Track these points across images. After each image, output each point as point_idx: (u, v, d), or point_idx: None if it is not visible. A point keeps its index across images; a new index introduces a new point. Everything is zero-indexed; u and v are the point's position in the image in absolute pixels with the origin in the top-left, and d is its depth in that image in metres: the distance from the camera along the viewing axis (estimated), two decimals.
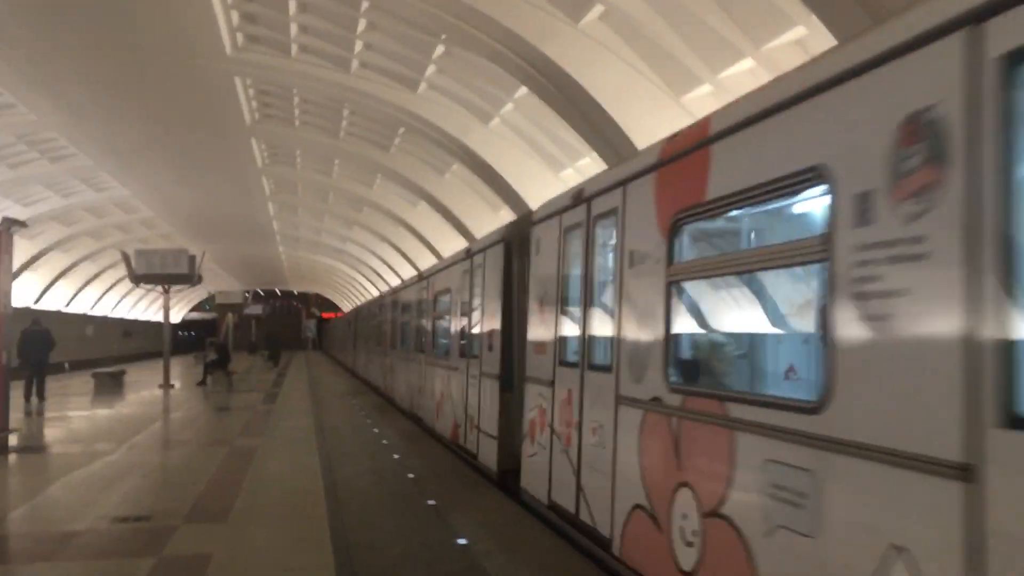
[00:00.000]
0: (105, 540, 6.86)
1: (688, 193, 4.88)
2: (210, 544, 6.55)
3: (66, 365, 37.98)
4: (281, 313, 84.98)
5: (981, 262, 2.75)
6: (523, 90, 15.28)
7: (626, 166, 6.16)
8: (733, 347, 5.72)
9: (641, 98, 12.51)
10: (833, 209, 3.55)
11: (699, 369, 5.42)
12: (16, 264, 36.96)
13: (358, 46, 16.12)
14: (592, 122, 13.10)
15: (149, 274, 24.72)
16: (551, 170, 17.94)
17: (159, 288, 25.57)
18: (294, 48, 16.83)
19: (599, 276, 6.46)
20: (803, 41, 9.86)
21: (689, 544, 4.64)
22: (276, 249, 48.56)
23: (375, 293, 41.02)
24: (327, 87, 18.10)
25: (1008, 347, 2.62)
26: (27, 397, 19.33)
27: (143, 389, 25.38)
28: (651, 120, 12.28)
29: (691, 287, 5.34)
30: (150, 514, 7.67)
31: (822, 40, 8.41)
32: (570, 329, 7.02)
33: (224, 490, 8.75)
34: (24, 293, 40.60)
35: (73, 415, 17.98)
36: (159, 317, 68.70)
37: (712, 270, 5.08)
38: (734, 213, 4.94)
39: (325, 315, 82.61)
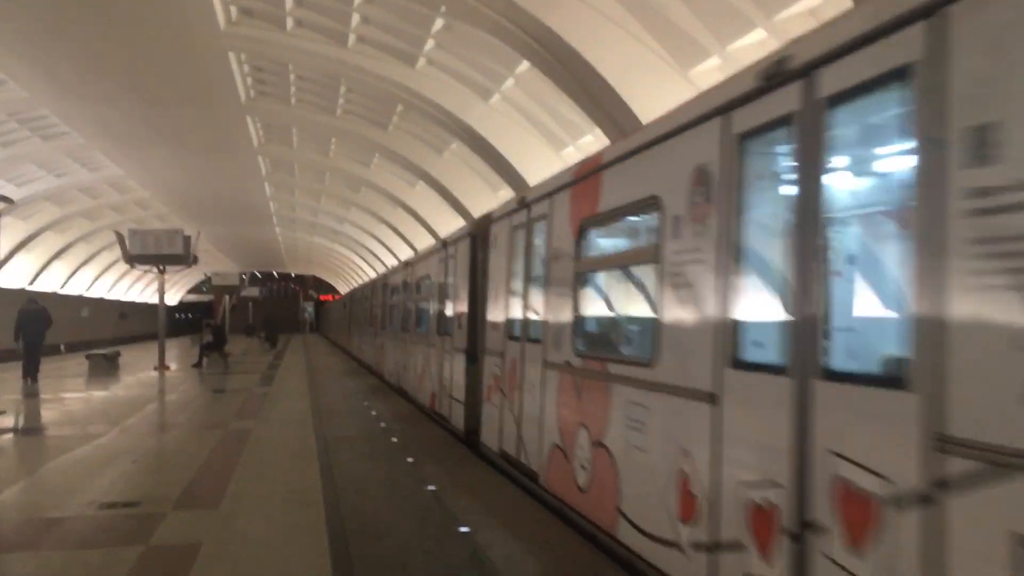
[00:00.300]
0: (91, 527, 6.55)
1: (589, 206, 6.44)
2: (200, 532, 6.25)
3: (62, 347, 37.69)
4: (278, 295, 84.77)
5: (725, 266, 4.29)
6: (525, 65, 14.92)
7: (554, 180, 7.60)
8: (612, 322, 7.25)
9: (647, 72, 12.14)
10: (661, 226, 5.08)
11: (593, 339, 6.87)
12: (10, 245, 36.64)
13: (355, 20, 15.73)
14: (596, 97, 12.74)
15: (143, 254, 24.34)
16: (552, 148, 17.60)
17: (154, 269, 25.21)
18: (289, 22, 16.42)
19: (535, 267, 7.85)
20: (817, 10, 9.51)
21: (584, 468, 6.28)
22: (273, 230, 48.14)
23: (373, 275, 40.72)
24: (323, 63, 17.69)
25: (734, 319, 4.20)
26: (25, 377, 19.41)
27: (138, 371, 25.07)
28: (657, 94, 11.93)
29: (588, 277, 6.77)
30: (139, 500, 7.36)
31: (836, 6, 8.05)
32: (515, 310, 8.54)
33: (216, 475, 8.46)
34: (18, 274, 40.20)
35: (66, 396, 17.70)
36: (156, 299, 68.23)
37: (597, 266, 6.76)
38: (615, 223, 6.45)
39: (323, 297, 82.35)
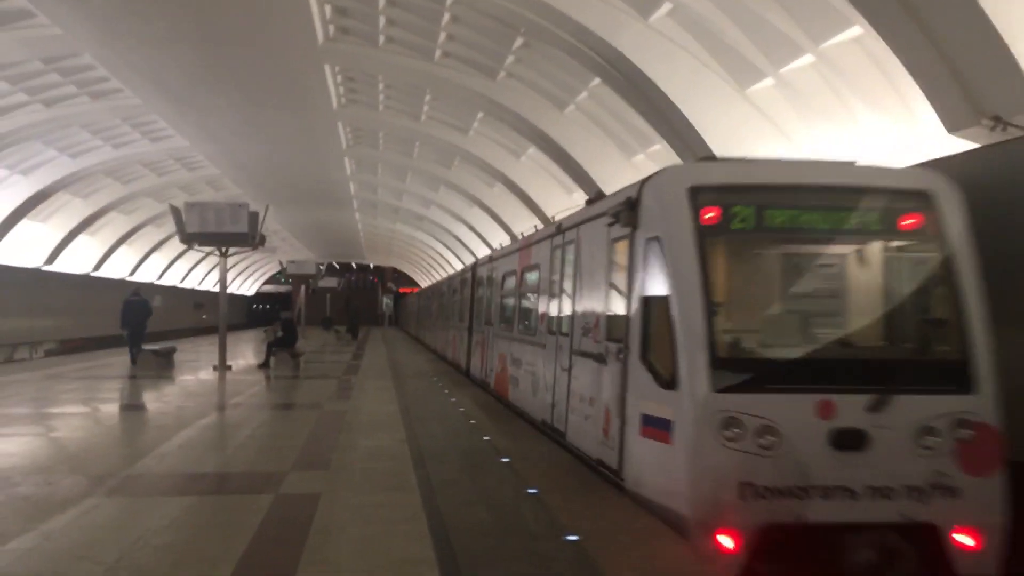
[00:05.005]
0: None
1: None
2: None
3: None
4: (357, 287, 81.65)
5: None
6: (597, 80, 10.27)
7: None
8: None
9: None
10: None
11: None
12: (70, 226, 33.13)
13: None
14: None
15: (203, 232, 20.19)
16: (624, 155, 13.69)
17: (216, 251, 21.12)
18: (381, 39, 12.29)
19: None
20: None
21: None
22: (352, 216, 44.29)
23: (459, 267, 36.15)
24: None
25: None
26: (133, 360, 21.51)
27: (196, 371, 21.19)
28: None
29: None
30: None
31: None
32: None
33: None
34: (81, 259, 37.02)
35: (75, 412, 13.53)
36: (234, 288, 65.25)
37: None
38: None
39: (402, 290, 78.99)
